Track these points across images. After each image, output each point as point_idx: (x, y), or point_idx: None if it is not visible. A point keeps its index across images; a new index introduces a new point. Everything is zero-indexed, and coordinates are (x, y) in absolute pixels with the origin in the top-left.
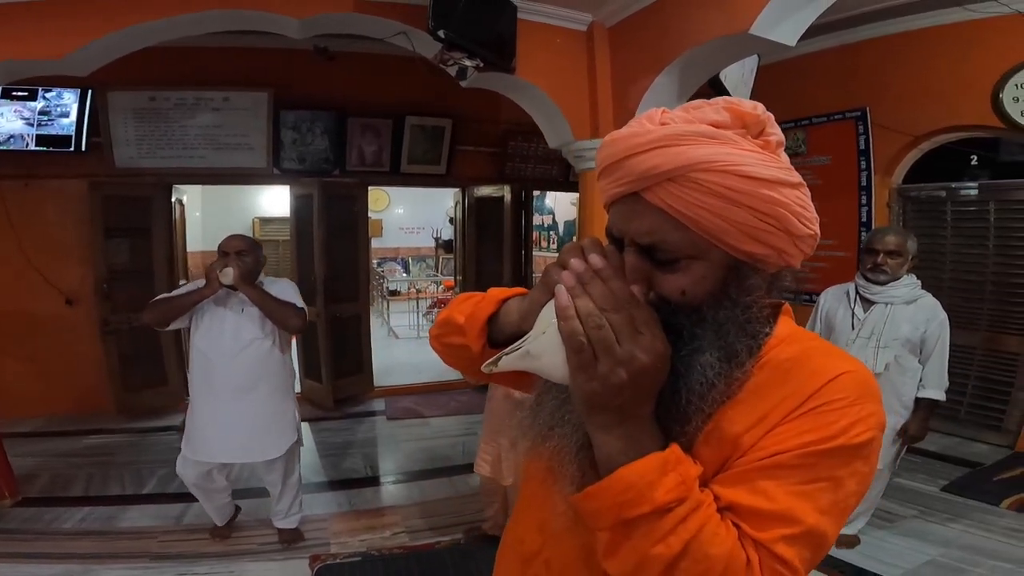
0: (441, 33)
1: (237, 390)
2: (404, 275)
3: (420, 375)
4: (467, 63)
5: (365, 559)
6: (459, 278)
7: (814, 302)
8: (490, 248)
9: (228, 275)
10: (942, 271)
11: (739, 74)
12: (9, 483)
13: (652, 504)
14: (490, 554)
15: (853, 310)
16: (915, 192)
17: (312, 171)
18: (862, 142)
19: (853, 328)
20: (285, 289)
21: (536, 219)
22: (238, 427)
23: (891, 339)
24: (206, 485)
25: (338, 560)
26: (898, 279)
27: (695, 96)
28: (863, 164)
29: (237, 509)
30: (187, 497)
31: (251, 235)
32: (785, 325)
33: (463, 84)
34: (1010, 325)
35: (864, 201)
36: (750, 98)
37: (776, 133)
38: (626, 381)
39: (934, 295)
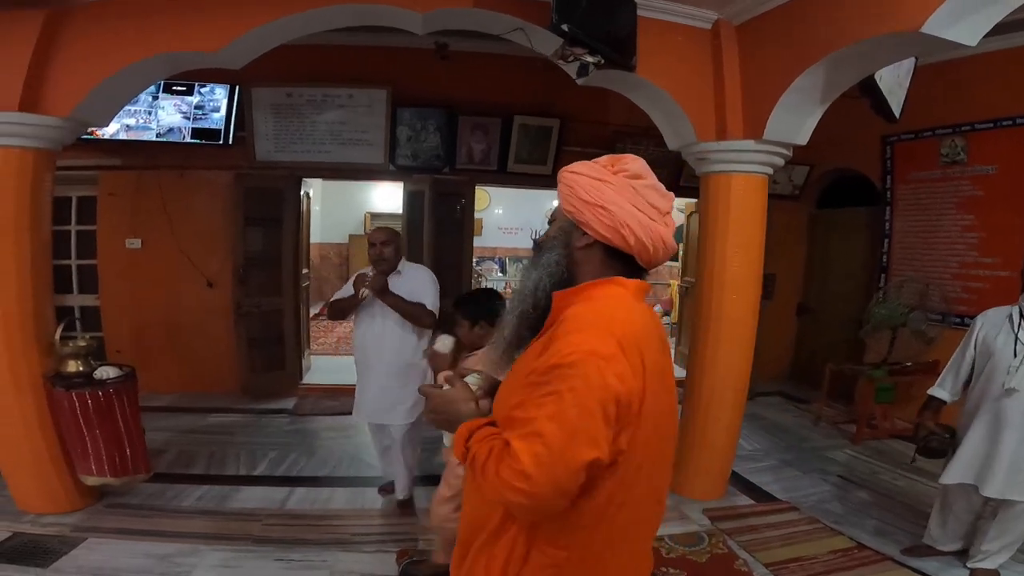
0: (564, 27)
1: (383, 370)
2: (500, 275)
3: None
4: (589, 59)
5: (438, 570)
6: None
7: (967, 325)
8: None
9: (366, 293)
10: None
11: (894, 75)
12: (144, 460)
13: (463, 441)
14: None
15: (1017, 335)
16: None
17: (424, 168)
18: None
19: (1016, 355)
20: (423, 281)
21: None
22: (380, 396)
23: None
24: (378, 442)
25: (424, 557)
26: None
27: (843, 97)
28: None
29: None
30: (293, 481)
31: (363, 229)
32: (604, 288)
33: (580, 82)
34: None
35: None
36: (904, 100)
37: (627, 170)
38: (442, 422)
39: None
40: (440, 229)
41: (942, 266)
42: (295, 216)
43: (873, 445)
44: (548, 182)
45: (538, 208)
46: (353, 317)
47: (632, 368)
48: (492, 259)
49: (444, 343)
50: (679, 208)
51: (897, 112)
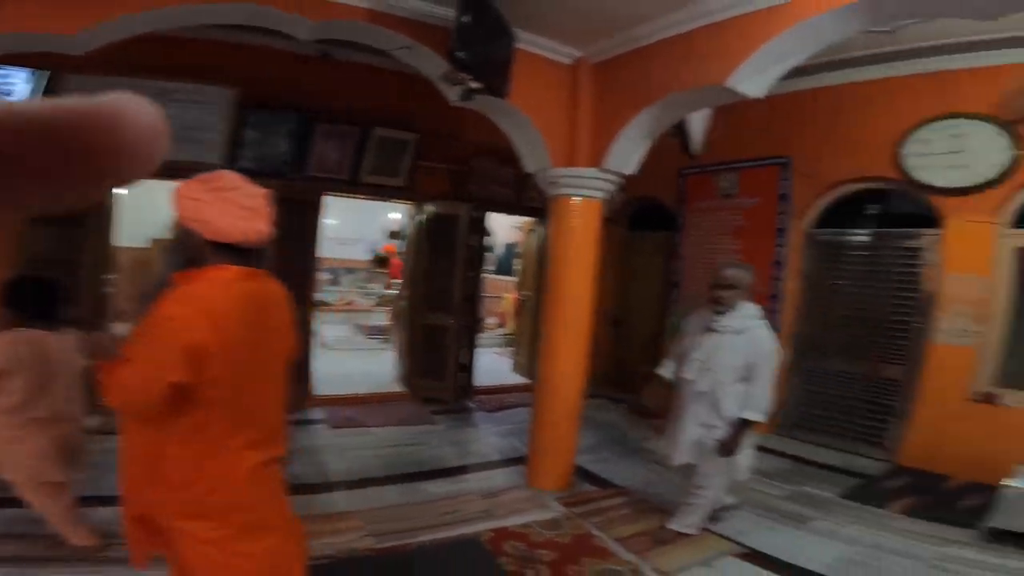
0: (462, 55)
1: None
2: (334, 287)
3: (355, 386)
4: (474, 85)
5: (335, 562)
6: (406, 293)
7: None
8: (442, 265)
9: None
10: (837, 306)
11: (700, 117)
12: None
13: (100, 372)
14: (463, 556)
15: (700, 335)
16: (821, 236)
17: (269, 172)
18: (783, 188)
19: (695, 349)
20: None
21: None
22: None
23: (718, 364)
24: None
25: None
26: (734, 309)
27: (665, 134)
28: (782, 208)
29: None
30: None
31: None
32: (207, 272)
33: (454, 103)
34: (891, 355)
35: (780, 243)
36: (704, 138)
37: (221, 186)
38: (96, 355)
39: (830, 329)
40: (285, 237)
41: None
42: (100, 216)
43: None
44: (400, 194)
45: (376, 219)
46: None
47: (210, 327)
48: (324, 270)
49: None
50: (516, 226)
51: (697, 149)
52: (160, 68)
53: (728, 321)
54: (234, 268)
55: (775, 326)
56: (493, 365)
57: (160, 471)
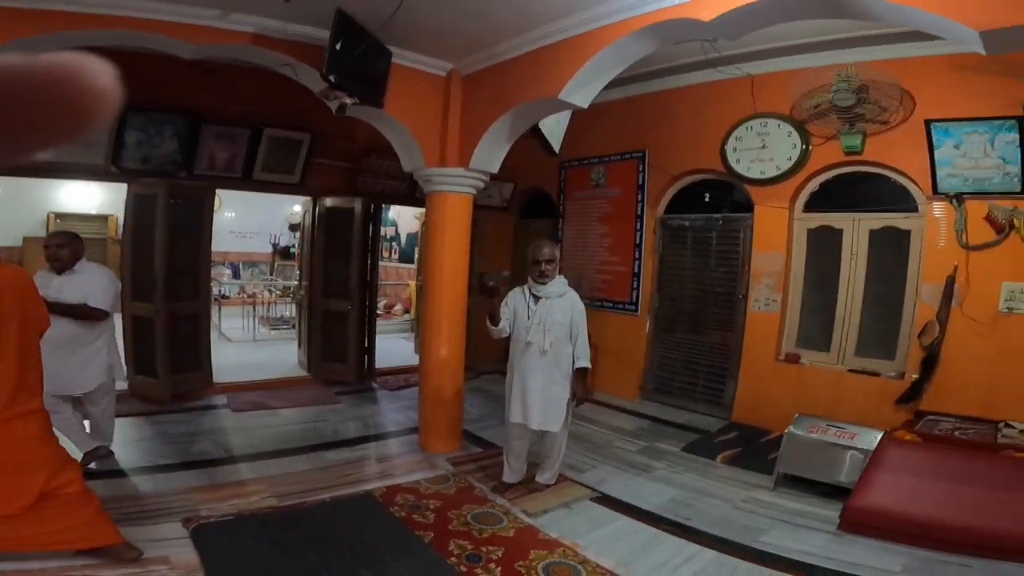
0: (332, 77)
1: (65, 349)
2: (234, 279)
3: (260, 373)
4: (347, 101)
5: (238, 518)
6: (305, 283)
7: (604, 308)
8: (339, 255)
9: None
10: (684, 282)
11: (555, 121)
12: None
13: None
14: (356, 508)
15: (528, 304)
16: (670, 221)
17: (156, 172)
18: (641, 179)
19: (529, 317)
20: (94, 280)
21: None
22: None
23: (552, 324)
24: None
25: (212, 520)
26: (553, 278)
27: (521, 137)
28: (640, 197)
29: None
30: None
31: (45, 231)
32: None
33: (336, 113)
34: (727, 324)
35: (639, 227)
36: (563, 138)
37: None
38: None
39: (681, 302)
40: (175, 234)
41: (590, 263)
42: None
43: None
44: (295, 190)
45: (276, 212)
46: None
47: None
48: (223, 264)
49: None
50: (415, 216)
51: (556, 148)
52: None
53: (551, 289)
54: None
55: (637, 302)
56: (399, 348)
57: None
